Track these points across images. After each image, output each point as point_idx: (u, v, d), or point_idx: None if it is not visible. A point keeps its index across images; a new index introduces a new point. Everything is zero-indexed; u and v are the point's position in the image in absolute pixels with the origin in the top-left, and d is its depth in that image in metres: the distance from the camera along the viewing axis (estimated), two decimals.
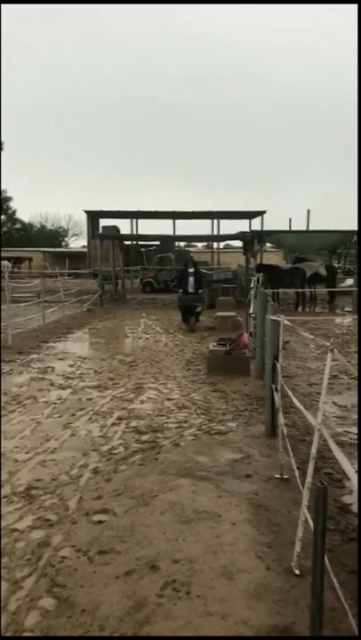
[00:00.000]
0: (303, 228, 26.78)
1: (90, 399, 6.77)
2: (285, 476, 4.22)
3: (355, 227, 20.44)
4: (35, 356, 9.88)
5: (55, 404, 6.56)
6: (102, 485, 4.15)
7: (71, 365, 8.99)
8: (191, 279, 13.82)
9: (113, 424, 5.73)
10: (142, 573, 2.96)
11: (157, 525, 3.50)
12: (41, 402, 6.65)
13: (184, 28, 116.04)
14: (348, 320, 16.20)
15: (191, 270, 14.00)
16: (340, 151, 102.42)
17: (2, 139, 46.74)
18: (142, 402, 6.66)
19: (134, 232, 28.68)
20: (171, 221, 28.26)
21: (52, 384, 7.62)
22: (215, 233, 30.03)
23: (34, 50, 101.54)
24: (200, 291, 14.02)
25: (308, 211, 36.55)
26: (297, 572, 2.91)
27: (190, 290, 13.76)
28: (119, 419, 5.91)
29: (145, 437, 5.28)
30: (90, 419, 5.93)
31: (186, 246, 44.06)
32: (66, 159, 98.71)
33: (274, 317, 5.25)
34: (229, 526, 3.48)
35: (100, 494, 3.99)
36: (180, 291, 14.08)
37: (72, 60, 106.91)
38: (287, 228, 29.02)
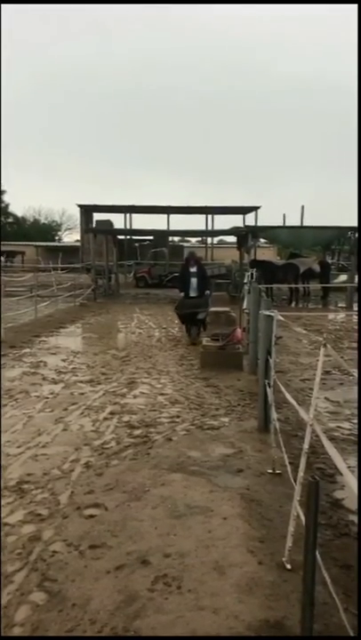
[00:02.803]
0: (297, 223, 26.77)
1: (82, 394, 6.74)
2: (278, 471, 4.22)
3: (348, 223, 20.49)
4: (27, 350, 9.84)
5: (47, 398, 6.53)
6: (94, 480, 4.13)
7: (64, 360, 8.96)
8: (194, 280, 11.15)
9: (105, 418, 5.71)
10: (133, 568, 2.95)
11: (149, 520, 3.49)
12: (33, 396, 6.62)
13: (180, 26, 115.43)
14: (342, 316, 16.25)
15: (194, 270, 11.24)
16: (334, 148, 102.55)
17: None
18: (135, 396, 6.65)
19: (128, 227, 28.58)
20: (165, 216, 28.21)
21: (44, 378, 7.59)
22: (209, 228, 29.99)
23: (29, 43, 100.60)
24: (207, 292, 11.38)
25: (303, 207, 36.56)
26: (288, 566, 2.91)
27: (193, 293, 11.09)
28: (111, 413, 5.89)
29: (137, 432, 5.26)
30: (82, 413, 5.90)
31: (180, 241, 44.00)
32: (60, 153, 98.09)
33: (267, 313, 5.25)
34: (221, 521, 3.48)
35: (91, 489, 3.97)
36: (182, 294, 11.37)
37: (68, 53, 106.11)
38: (281, 224, 29.04)
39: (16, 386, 7.10)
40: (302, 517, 2.70)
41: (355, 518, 3.65)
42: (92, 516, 3.56)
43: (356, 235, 19.86)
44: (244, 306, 10.60)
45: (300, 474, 2.79)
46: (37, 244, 48.44)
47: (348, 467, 4.41)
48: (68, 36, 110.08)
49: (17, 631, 2.48)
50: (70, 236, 63.44)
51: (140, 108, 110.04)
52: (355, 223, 19.88)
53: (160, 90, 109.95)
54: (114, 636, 2.45)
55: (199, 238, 40.95)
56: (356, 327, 13.70)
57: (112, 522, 3.47)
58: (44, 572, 2.91)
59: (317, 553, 2.31)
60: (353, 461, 4.67)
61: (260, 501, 3.77)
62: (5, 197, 58.03)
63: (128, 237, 30.86)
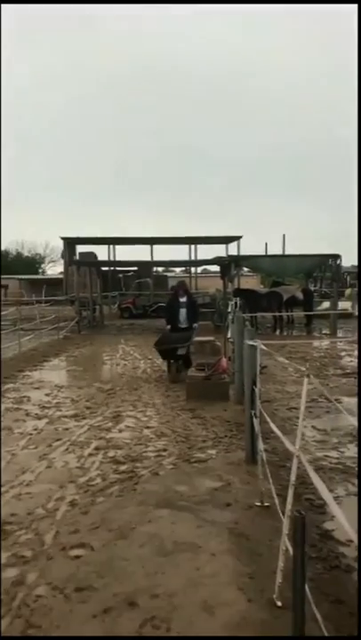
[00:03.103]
0: (279, 252, 27.13)
1: (67, 429, 6.64)
2: (266, 504, 4.16)
3: (329, 251, 20.82)
4: (10, 385, 9.71)
5: (31, 434, 6.42)
6: (79, 519, 4.04)
7: (48, 394, 8.85)
8: (183, 311, 10.46)
9: (90, 454, 5.62)
10: (120, 611, 2.86)
11: (136, 559, 3.41)
12: (16, 433, 6.50)
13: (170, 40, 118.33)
14: (326, 343, 16.35)
15: (183, 300, 10.56)
16: (315, 178, 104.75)
17: None
18: (120, 430, 6.56)
19: (112, 258, 28.72)
20: (148, 247, 28.42)
21: (27, 414, 7.47)
22: (193, 258, 30.24)
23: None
24: (195, 325, 10.52)
25: (284, 235, 37.18)
26: (279, 603, 2.84)
27: (182, 325, 10.44)
28: (97, 449, 5.80)
29: (123, 467, 5.18)
30: (67, 449, 5.81)
31: (164, 271, 44.26)
32: (43, 185, 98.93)
33: (251, 342, 5.26)
34: (209, 557, 3.41)
35: (77, 528, 3.88)
36: (168, 327, 10.73)
37: (41, 80, 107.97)
38: (263, 253, 29.39)
39: None
40: (291, 552, 2.66)
41: (345, 550, 3.61)
42: (77, 557, 3.47)
43: (338, 262, 20.15)
44: (229, 335, 10.62)
45: (288, 506, 2.76)
46: (20, 277, 48.31)
47: (337, 497, 4.39)
48: (50, 64, 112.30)
49: None
50: (54, 269, 63.49)
51: (122, 139, 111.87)
52: (334, 251, 20.23)
53: (143, 120, 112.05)
54: (114, 636, 2.37)
55: (183, 268, 41.23)
56: (340, 354, 13.79)
57: (98, 562, 3.38)
58: (28, 619, 2.82)
59: (307, 588, 2.27)
60: (342, 491, 4.65)
61: (249, 536, 3.71)
62: None
63: (112, 269, 30.98)
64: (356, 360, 11.71)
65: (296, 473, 2.77)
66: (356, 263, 31.90)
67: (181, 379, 9.41)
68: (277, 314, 19.62)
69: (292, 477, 2.78)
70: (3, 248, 63.00)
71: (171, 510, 4.16)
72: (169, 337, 10.29)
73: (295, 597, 2.06)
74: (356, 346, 13.95)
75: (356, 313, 21.90)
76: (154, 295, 28.18)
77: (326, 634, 2.12)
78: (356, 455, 5.40)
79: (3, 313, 17.51)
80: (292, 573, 2.34)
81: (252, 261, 22.89)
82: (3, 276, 45.77)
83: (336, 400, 7.63)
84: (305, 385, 2.82)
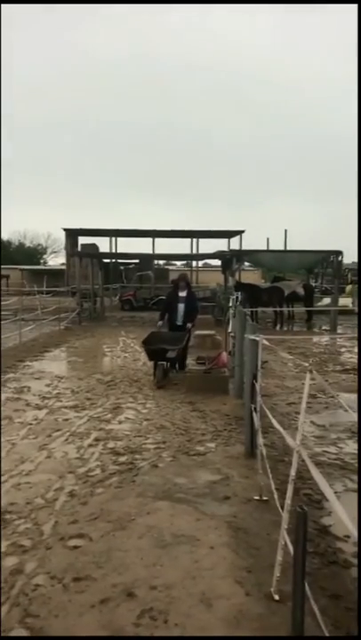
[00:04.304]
0: (281, 247, 27.08)
1: (66, 420, 6.65)
2: (265, 498, 4.18)
3: (330, 247, 20.78)
4: (11, 375, 9.71)
5: (31, 424, 6.43)
6: (78, 509, 4.05)
7: (48, 385, 8.86)
8: (181, 306, 9.53)
9: (90, 445, 5.63)
10: (118, 601, 2.87)
11: (134, 550, 3.42)
12: (16, 422, 6.51)
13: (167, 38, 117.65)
14: (326, 339, 16.35)
15: (183, 294, 9.64)
16: (318, 172, 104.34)
17: None
18: (120, 422, 6.57)
19: (113, 250, 28.69)
20: (150, 240, 28.40)
21: (27, 404, 7.48)
22: (194, 252, 30.22)
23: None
24: (189, 325, 9.54)
25: (286, 230, 37.09)
26: (277, 597, 2.85)
27: (178, 322, 9.55)
28: (96, 440, 5.81)
29: (122, 459, 5.19)
30: (66, 440, 5.82)
31: (165, 264, 44.21)
32: (45, 176, 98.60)
33: (253, 337, 5.25)
34: (208, 550, 3.42)
35: (75, 518, 3.89)
36: (159, 323, 9.84)
37: (49, 74, 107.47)
38: (265, 248, 29.34)
39: None
40: (290, 546, 2.66)
41: (343, 545, 3.62)
42: (76, 547, 3.48)
43: (340, 258, 20.11)
44: (230, 329, 10.61)
45: (288, 501, 2.77)
46: (22, 267, 48.24)
47: (335, 492, 4.39)
48: (52, 61, 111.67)
49: None
50: (55, 260, 63.41)
51: (124, 133, 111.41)
52: (337, 247, 20.18)
53: (148, 114, 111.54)
54: (114, 636, 2.39)
55: (184, 261, 41.21)
56: (340, 350, 13.79)
57: (97, 553, 3.39)
58: (27, 608, 2.83)
59: (306, 584, 2.27)
60: (340, 486, 4.65)
61: (248, 529, 3.72)
62: None
63: (113, 261, 30.96)
64: (356, 357, 11.72)
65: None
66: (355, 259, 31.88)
67: (165, 384, 8.70)
68: (278, 309, 19.60)
69: (292, 472, 2.78)
70: (5, 238, 62.91)
71: (170, 502, 4.17)
72: (160, 336, 9.43)
73: (295, 592, 2.07)
74: (356, 342, 13.96)
75: (357, 309, 21.86)
76: (155, 288, 28.16)
77: (324, 628, 2.13)
78: (356, 451, 5.41)
79: (4, 303, 17.51)
80: (290, 568, 2.35)
81: (254, 256, 22.86)
82: (5, 267, 45.74)
83: (335, 396, 7.63)
84: (307, 380, 2.82)
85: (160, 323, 9.77)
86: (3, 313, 16.91)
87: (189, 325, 9.55)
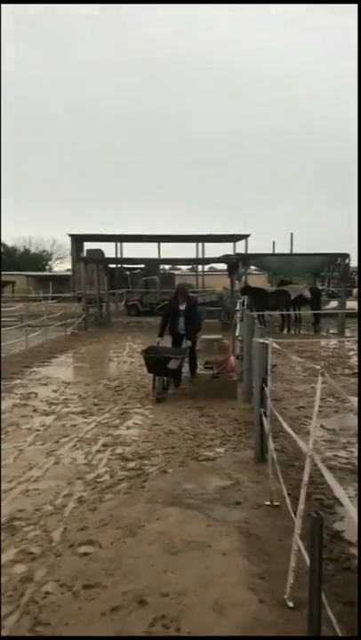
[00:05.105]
0: (287, 251, 27.04)
1: (74, 425, 6.62)
2: (276, 503, 4.12)
3: (336, 250, 20.71)
4: (18, 381, 9.71)
5: (38, 430, 6.40)
6: (87, 515, 4.01)
7: (55, 391, 8.83)
8: (181, 320, 9.01)
9: (98, 451, 5.59)
10: (130, 609, 2.83)
11: (145, 557, 3.38)
12: (24, 429, 6.49)
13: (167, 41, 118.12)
14: (334, 342, 16.26)
15: (182, 308, 9.02)
16: (324, 175, 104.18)
17: None
18: (128, 428, 6.54)
19: (119, 255, 28.73)
20: (155, 245, 28.43)
21: (35, 410, 7.46)
22: (200, 256, 30.20)
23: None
24: (188, 343, 8.94)
25: (292, 234, 37.03)
26: (291, 604, 2.80)
27: (181, 331, 9.05)
28: (104, 445, 5.77)
29: (131, 465, 5.15)
30: (74, 446, 5.78)
31: (171, 269, 44.25)
32: (51, 182, 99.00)
33: (262, 340, 5.21)
34: (220, 557, 3.37)
35: (85, 525, 3.85)
36: (158, 339, 9.18)
37: (49, 73, 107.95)
38: (271, 251, 29.29)
39: (6, 418, 6.96)
40: (303, 551, 2.62)
41: (356, 551, 3.56)
42: (85, 554, 3.44)
43: (347, 261, 20.02)
44: (237, 333, 10.56)
45: (301, 506, 2.72)
46: (28, 273, 48.37)
47: (348, 497, 4.33)
48: (58, 67, 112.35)
49: None
50: (61, 266, 63.50)
51: (130, 135, 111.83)
52: (343, 250, 20.11)
53: (150, 116, 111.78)
54: (114, 636, 2.35)
55: (190, 266, 41.22)
56: (348, 354, 13.71)
57: (107, 560, 3.35)
58: (37, 616, 2.79)
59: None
60: (351, 491, 4.59)
61: (259, 535, 3.67)
62: None
63: (119, 266, 31.01)
64: None
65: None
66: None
67: (165, 398, 8.20)
68: (285, 312, 19.53)
69: (305, 477, 2.74)
70: (10, 245, 63.12)
71: (179, 508, 4.12)
72: (159, 350, 8.89)
73: (311, 599, 2.02)
74: None
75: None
76: (161, 293, 28.14)
77: (340, 634, 2.08)
78: None
79: (11, 309, 17.53)
80: (303, 574, 2.30)
81: (260, 260, 22.81)
82: (11, 273, 45.89)
83: (345, 400, 7.57)
84: (319, 383, 2.78)
85: (159, 339, 9.15)
86: (9, 319, 16.94)
87: (188, 343, 8.95)
